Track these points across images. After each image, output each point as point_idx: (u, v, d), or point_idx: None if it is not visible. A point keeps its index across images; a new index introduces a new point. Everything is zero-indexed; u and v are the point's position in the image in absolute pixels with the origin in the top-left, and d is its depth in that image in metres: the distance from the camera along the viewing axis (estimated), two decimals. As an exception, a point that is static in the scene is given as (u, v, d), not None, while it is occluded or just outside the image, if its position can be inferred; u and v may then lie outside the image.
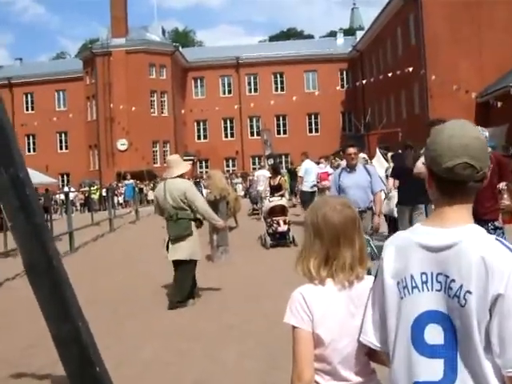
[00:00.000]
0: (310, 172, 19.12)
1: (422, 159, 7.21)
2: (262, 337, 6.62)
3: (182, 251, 8.65)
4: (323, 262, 2.33)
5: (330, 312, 2.27)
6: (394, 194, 11.89)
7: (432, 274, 1.90)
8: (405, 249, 1.98)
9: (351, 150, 9.24)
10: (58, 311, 2.81)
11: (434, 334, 1.88)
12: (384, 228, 12.92)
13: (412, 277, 1.93)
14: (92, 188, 39.10)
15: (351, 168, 9.28)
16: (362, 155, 16.75)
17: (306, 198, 18.67)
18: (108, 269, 12.78)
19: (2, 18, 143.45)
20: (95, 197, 38.09)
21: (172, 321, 7.85)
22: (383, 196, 11.39)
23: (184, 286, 8.75)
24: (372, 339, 2.12)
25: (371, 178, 9.24)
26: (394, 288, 1.99)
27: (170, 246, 8.72)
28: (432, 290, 1.89)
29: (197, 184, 40.97)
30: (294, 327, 2.30)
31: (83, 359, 2.77)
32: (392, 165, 13.84)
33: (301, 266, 2.39)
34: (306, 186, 19.02)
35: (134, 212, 28.11)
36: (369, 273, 2.40)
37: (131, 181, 40.17)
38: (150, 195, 38.66)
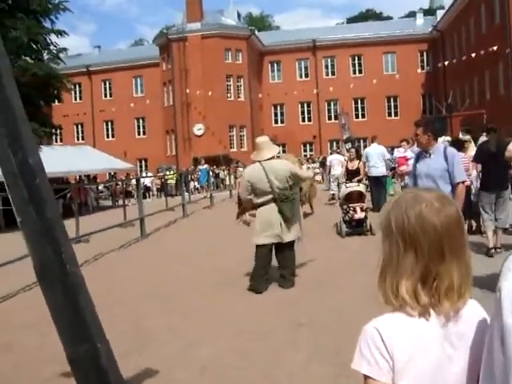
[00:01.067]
0: (371, 157, 18.33)
1: None
2: (333, 337, 6.02)
3: (293, 231, 8.74)
4: (420, 283, 1.60)
5: (420, 355, 1.55)
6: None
7: None
8: None
9: (415, 130, 7.40)
10: (72, 328, 2.26)
11: None
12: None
13: None
14: (169, 173, 39.14)
15: (425, 152, 7.40)
16: (447, 138, 15.89)
17: (371, 184, 18.66)
18: (178, 256, 12.39)
19: (82, 7, 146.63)
20: (172, 182, 38.08)
21: (240, 313, 7.29)
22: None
23: (294, 262, 8.94)
24: None
25: (448, 164, 7.13)
26: None
27: (284, 227, 8.56)
28: None
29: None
30: (365, 377, 1.58)
31: (102, 387, 2.27)
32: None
33: (383, 290, 1.66)
34: (369, 172, 18.35)
35: (209, 197, 27.79)
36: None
37: (205, 165, 40.10)
38: (228, 180, 38.51)
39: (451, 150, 7.38)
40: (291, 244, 8.77)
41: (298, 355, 5.62)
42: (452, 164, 7.14)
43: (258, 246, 8.62)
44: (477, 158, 10.78)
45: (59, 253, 2.29)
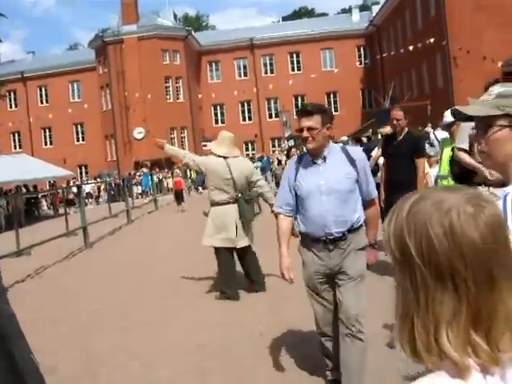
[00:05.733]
0: None
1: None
2: (290, 349, 5.69)
3: (247, 236, 8.21)
4: (472, 327, 1.05)
5: None
6: None
7: None
8: None
9: (302, 122, 4.33)
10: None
11: None
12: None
13: None
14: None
15: (314, 156, 4.40)
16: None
17: None
18: (125, 265, 11.83)
19: (13, 12, 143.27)
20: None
21: (196, 326, 6.87)
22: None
23: (258, 264, 8.45)
24: None
25: (359, 173, 4.37)
26: None
27: (240, 231, 8.06)
28: None
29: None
30: None
31: None
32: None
33: (410, 344, 1.09)
34: None
35: (153, 202, 27.29)
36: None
37: (146, 169, 39.62)
38: (170, 183, 38.01)
39: (354, 149, 4.75)
40: (248, 248, 8.29)
41: (260, 372, 5.23)
42: (364, 172, 4.42)
43: (217, 250, 8.15)
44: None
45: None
